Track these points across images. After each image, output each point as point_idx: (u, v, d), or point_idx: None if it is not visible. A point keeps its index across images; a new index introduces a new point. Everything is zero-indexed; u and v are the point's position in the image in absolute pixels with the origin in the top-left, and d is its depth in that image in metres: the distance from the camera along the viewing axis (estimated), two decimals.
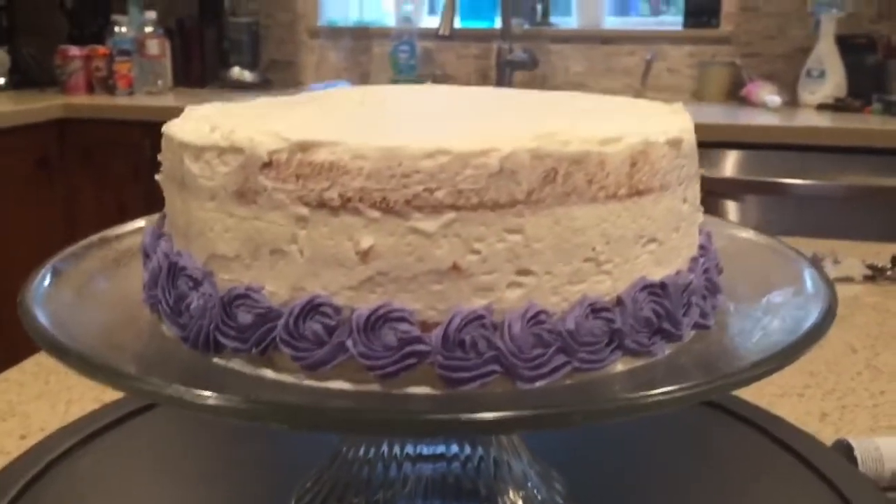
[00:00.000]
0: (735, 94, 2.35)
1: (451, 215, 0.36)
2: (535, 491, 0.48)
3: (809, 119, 2.12)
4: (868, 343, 0.82)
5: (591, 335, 0.37)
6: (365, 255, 0.36)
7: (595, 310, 0.37)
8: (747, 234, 0.53)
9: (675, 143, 0.41)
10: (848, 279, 0.98)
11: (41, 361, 0.75)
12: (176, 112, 0.44)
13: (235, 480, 0.54)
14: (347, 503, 0.47)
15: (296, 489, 0.50)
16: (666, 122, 0.42)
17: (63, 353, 0.36)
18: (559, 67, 2.60)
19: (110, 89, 2.48)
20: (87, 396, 0.69)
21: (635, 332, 0.38)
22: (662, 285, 0.39)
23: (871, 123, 2.01)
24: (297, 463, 0.52)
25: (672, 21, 2.61)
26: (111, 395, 0.69)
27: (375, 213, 0.36)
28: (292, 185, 0.36)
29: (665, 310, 0.39)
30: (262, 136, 0.37)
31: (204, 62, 2.69)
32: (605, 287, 0.38)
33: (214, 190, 0.39)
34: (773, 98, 2.25)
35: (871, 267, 0.98)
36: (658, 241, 0.40)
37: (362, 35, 2.75)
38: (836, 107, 2.19)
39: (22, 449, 0.56)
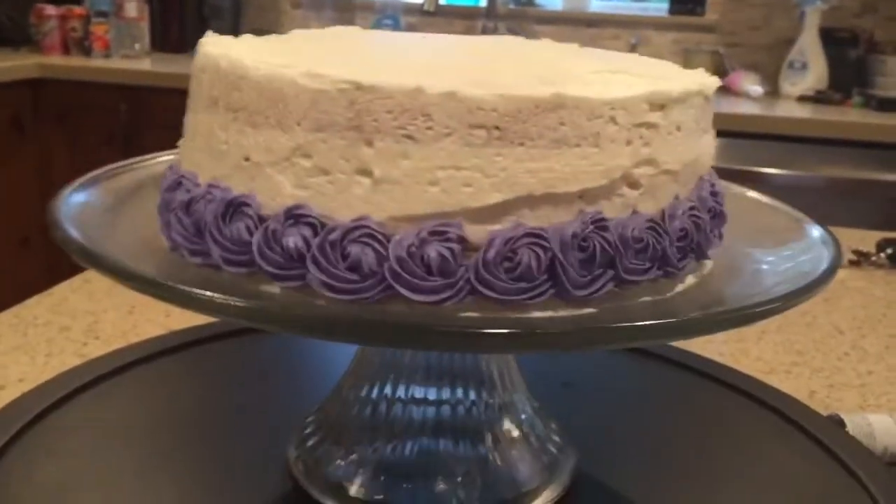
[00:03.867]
0: None
1: None
2: (532, 430, 0.48)
3: (790, 110, 2.13)
4: (854, 325, 0.82)
5: None
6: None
7: None
8: (753, 193, 0.53)
9: None
10: None
11: (20, 314, 0.73)
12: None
13: (236, 425, 0.54)
14: (349, 440, 0.46)
15: (296, 429, 0.50)
16: None
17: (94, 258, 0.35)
18: None
19: (86, 51, 2.43)
20: (68, 350, 0.67)
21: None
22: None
23: (851, 116, 2.03)
24: (298, 405, 0.52)
25: (657, 7, 2.61)
26: (92, 349, 0.67)
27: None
28: None
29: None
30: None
31: (183, 28, 2.64)
32: None
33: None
34: (754, 88, 2.26)
35: (856, 252, 0.99)
36: None
37: (345, 7, 2.72)
38: (817, 99, 2.21)
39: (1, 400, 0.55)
